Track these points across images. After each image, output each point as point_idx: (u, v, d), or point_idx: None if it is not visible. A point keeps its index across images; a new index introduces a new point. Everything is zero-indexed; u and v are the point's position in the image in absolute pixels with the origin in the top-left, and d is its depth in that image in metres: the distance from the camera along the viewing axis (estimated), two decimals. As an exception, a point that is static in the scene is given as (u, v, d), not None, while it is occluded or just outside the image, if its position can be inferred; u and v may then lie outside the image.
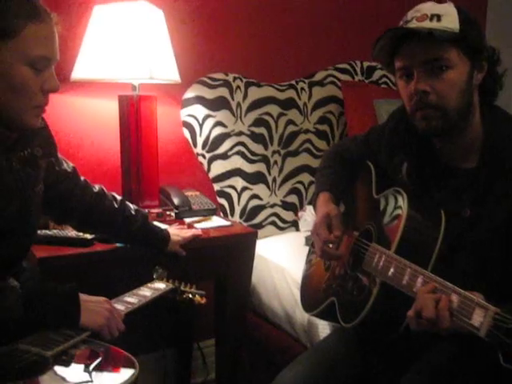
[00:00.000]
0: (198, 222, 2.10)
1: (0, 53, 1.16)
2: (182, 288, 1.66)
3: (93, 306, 1.24)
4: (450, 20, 1.33)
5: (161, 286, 1.61)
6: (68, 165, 1.59)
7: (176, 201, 2.16)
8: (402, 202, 1.42)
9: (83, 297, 1.24)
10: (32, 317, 1.14)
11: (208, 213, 2.20)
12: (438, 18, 1.33)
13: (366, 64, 2.90)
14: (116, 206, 1.69)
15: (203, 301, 1.65)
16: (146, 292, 1.53)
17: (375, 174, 1.62)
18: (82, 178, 1.64)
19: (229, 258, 2.01)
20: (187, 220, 2.10)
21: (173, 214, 2.13)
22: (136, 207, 1.77)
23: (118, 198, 1.73)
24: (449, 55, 1.32)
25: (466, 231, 1.36)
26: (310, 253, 1.85)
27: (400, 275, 1.29)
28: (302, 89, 2.71)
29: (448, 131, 1.38)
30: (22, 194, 1.29)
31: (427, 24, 1.33)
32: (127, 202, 1.75)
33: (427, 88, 1.33)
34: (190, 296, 1.64)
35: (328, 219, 1.55)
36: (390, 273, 1.32)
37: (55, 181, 1.52)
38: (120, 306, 1.37)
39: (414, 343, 1.41)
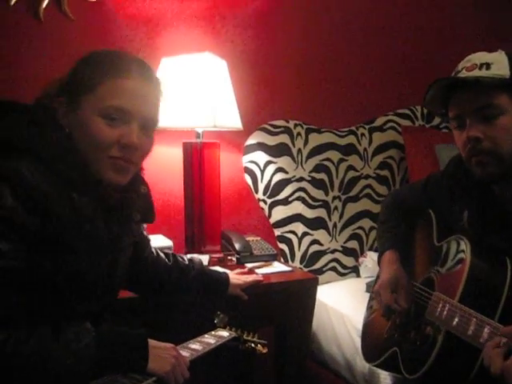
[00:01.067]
0: (259, 267, 2.11)
1: (81, 107, 1.21)
2: (244, 337, 1.65)
3: (160, 353, 1.26)
4: (500, 67, 1.34)
5: (224, 334, 1.61)
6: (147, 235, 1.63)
7: (237, 246, 2.19)
8: (465, 249, 1.40)
9: (152, 343, 1.26)
10: (103, 360, 1.16)
11: (269, 258, 2.21)
12: (488, 66, 1.35)
13: (426, 109, 2.89)
14: (169, 263, 1.69)
15: (265, 350, 1.64)
16: (210, 339, 1.53)
17: (436, 221, 1.61)
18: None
19: (289, 304, 2.01)
20: (248, 265, 2.12)
21: (234, 258, 2.15)
22: (189, 257, 1.79)
23: (169, 253, 1.74)
24: (499, 101, 1.33)
25: None
26: (370, 299, 1.83)
27: (465, 325, 1.26)
28: (362, 134, 2.72)
29: (505, 176, 1.37)
30: (112, 255, 1.31)
31: (476, 73, 1.35)
32: (179, 254, 1.76)
33: (479, 134, 1.34)
34: (253, 345, 1.64)
35: (394, 283, 1.55)
36: (454, 322, 1.30)
37: (141, 247, 1.56)
38: (185, 353, 1.38)
39: None
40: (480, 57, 1.38)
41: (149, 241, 1.65)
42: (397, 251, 1.67)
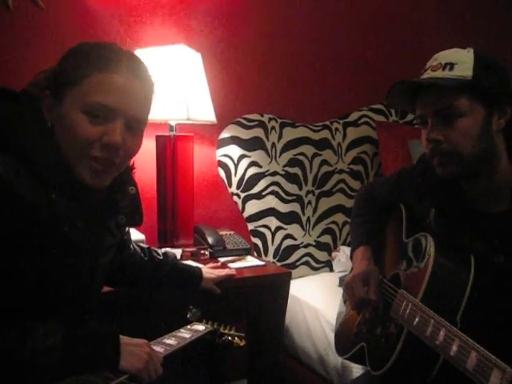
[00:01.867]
0: (232, 261, 2.10)
1: (65, 101, 1.15)
2: (221, 330, 1.64)
3: (132, 349, 1.23)
4: (463, 68, 1.33)
5: (200, 327, 1.60)
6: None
7: (210, 240, 2.18)
8: (429, 247, 1.39)
9: (123, 339, 1.23)
10: (72, 359, 1.14)
11: (242, 252, 2.20)
12: (451, 66, 1.34)
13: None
14: (145, 258, 1.68)
15: (242, 343, 1.63)
16: (185, 334, 1.52)
17: (406, 216, 1.60)
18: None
19: (262, 298, 2.01)
20: (221, 259, 2.11)
21: (207, 252, 2.14)
22: (163, 251, 1.77)
23: (144, 247, 1.72)
24: (459, 103, 1.32)
25: (499, 278, 1.32)
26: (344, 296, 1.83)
27: (424, 326, 1.24)
28: (337, 129, 2.73)
29: (468, 176, 1.37)
30: (93, 258, 1.28)
31: (439, 73, 1.34)
32: (153, 249, 1.75)
33: (440, 137, 1.34)
34: (230, 338, 1.63)
35: (366, 277, 1.54)
36: (414, 322, 1.28)
37: (121, 247, 1.54)
38: (159, 348, 1.37)
39: None
40: (446, 55, 1.37)
41: (130, 240, 1.63)
42: (369, 247, 1.66)
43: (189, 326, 1.60)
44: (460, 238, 1.42)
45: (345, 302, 1.80)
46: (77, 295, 1.26)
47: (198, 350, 1.56)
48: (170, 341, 1.44)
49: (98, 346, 1.19)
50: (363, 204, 1.79)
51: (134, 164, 1.37)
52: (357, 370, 1.88)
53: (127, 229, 1.58)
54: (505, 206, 1.37)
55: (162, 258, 1.73)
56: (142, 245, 1.74)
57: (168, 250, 1.90)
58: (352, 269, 1.66)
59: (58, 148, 1.16)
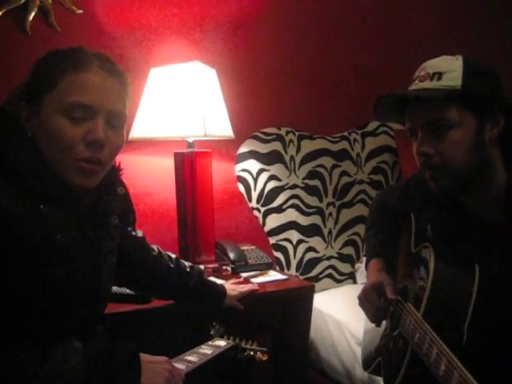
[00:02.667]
0: (255, 276, 2.09)
1: (43, 107, 1.16)
2: (242, 345, 1.62)
3: (153, 367, 1.23)
4: (452, 77, 1.28)
5: (221, 343, 1.58)
6: (139, 231, 1.60)
7: (232, 255, 2.17)
8: (430, 258, 1.34)
9: (144, 357, 1.23)
10: (94, 378, 1.13)
11: (264, 267, 2.19)
12: (440, 76, 1.29)
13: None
14: (172, 265, 1.69)
15: (265, 358, 1.60)
16: (207, 350, 1.50)
17: (414, 225, 1.54)
18: (145, 240, 1.65)
19: (286, 312, 1.99)
20: (244, 274, 2.10)
21: (229, 268, 2.13)
22: (191, 264, 1.77)
23: (173, 256, 1.73)
24: (449, 114, 1.28)
25: (495, 287, 1.27)
26: None
27: (421, 343, 1.20)
28: (355, 140, 2.71)
29: (461, 188, 1.33)
30: (95, 265, 1.28)
31: (427, 84, 1.30)
32: (182, 260, 1.75)
33: (430, 150, 1.30)
34: (252, 353, 1.60)
35: (380, 287, 1.50)
36: (415, 339, 1.24)
37: (131, 249, 1.53)
38: (180, 365, 1.35)
39: None
40: (434, 65, 1.33)
41: (142, 240, 1.62)
42: (382, 258, 1.62)
43: (210, 342, 1.58)
44: (460, 248, 1.37)
45: None
46: (82, 303, 1.25)
47: (222, 366, 1.55)
48: (192, 357, 1.43)
49: (119, 365, 1.18)
50: (376, 214, 1.76)
51: (120, 165, 1.37)
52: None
53: (139, 233, 1.59)
54: (499, 215, 1.32)
55: (189, 270, 1.73)
56: (170, 253, 1.74)
57: (196, 265, 1.89)
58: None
59: (41, 157, 1.17)
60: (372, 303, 1.51)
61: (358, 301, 1.57)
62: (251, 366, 2.06)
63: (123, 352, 1.21)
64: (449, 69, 1.30)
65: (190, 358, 1.43)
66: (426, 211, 1.49)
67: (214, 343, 1.58)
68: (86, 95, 1.16)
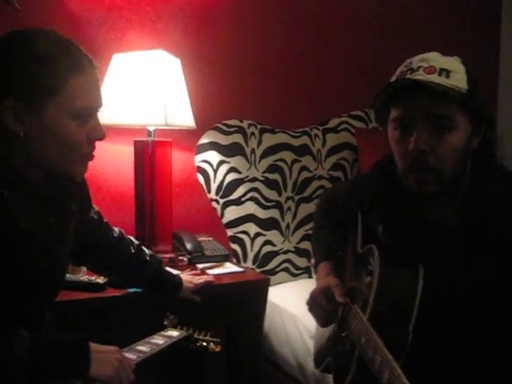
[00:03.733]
0: (211, 268, 2.09)
1: (46, 110, 1.15)
2: (195, 336, 1.62)
3: (103, 357, 1.22)
4: (459, 78, 1.25)
5: (174, 333, 1.58)
6: (94, 210, 1.59)
7: (189, 246, 2.16)
8: (376, 260, 1.33)
9: (93, 347, 1.22)
10: (41, 367, 1.12)
11: (221, 259, 2.19)
12: (447, 73, 1.24)
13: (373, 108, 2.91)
14: (133, 250, 1.69)
15: (218, 349, 1.61)
16: (159, 340, 1.50)
17: (361, 225, 1.51)
18: (105, 221, 1.65)
19: (241, 304, 2.00)
20: (200, 266, 2.10)
21: (185, 259, 2.13)
22: (151, 253, 1.77)
23: (136, 242, 1.73)
24: (455, 116, 1.25)
25: (440, 288, 1.27)
26: None
27: (367, 348, 1.19)
28: (316, 135, 2.73)
29: (439, 195, 1.30)
30: (52, 250, 1.28)
31: (436, 78, 1.23)
32: (143, 247, 1.75)
33: (427, 148, 1.24)
34: (204, 344, 1.61)
35: (328, 290, 1.46)
36: (361, 342, 1.23)
37: (82, 229, 1.50)
38: (131, 355, 1.35)
39: None
40: (438, 60, 1.27)
41: (99, 221, 1.62)
42: (330, 261, 1.60)
43: (163, 332, 1.58)
44: (408, 249, 1.35)
45: None
46: (38, 289, 1.24)
47: (174, 356, 1.54)
48: (143, 347, 1.42)
49: (67, 354, 1.17)
50: (322, 215, 1.73)
51: None
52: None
53: (95, 214, 1.59)
54: (454, 221, 1.32)
55: (149, 259, 1.73)
56: (133, 239, 1.73)
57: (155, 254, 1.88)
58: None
59: (13, 150, 1.17)
60: (321, 307, 1.47)
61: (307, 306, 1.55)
62: (204, 358, 2.07)
63: (72, 341, 1.20)
64: (454, 69, 1.26)
65: (141, 347, 1.42)
66: (376, 212, 1.45)
67: (166, 333, 1.57)
68: (91, 98, 1.21)
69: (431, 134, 1.25)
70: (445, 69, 1.25)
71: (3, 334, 1.11)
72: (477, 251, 1.26)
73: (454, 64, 1.28)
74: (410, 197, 1.35)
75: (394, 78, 1.33)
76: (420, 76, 1.25)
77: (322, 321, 1.50)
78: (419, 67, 1.26)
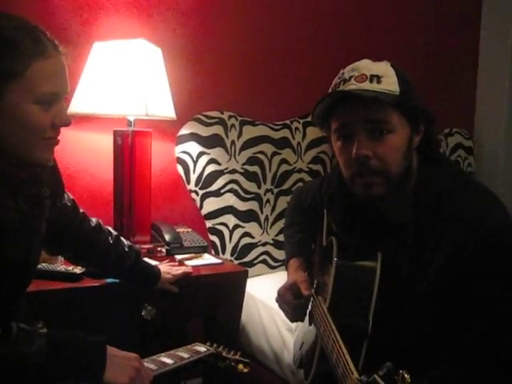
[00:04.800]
0: (189, 259, 2.09)
1: (7, 94, 1.13)
2: (224, 354, 1.57)
3: (120, 362, 1.19)
4: (390, 82, 1.28)
5: (201, 349, 1.54)
6: (68, 198, 1.57)
7: (167, 237, 2.16)
8: (333, 250, 1.37)
9: (112, 351, 1.19)
10: (55, 365, 1.11)
11: (199, 250, 2.20)
12: (378, 79, 1.28)
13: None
14: (111, 241, 1.68)
15: (246, 369, 1.55)
16: (184, 354, 1.46)
17: (326, 221, 1.55)
18: (81, 211, 1.63)
19: (219, 296, 2.00)
20: (178, 257, 2.10)
21: (164, 250, 2.12)
22: (130, 243, 1.75)
23: (114, 233, 1.71)
24: (391, 119, 1.28)
25: (401, 289, 1.30)
26: None
27: (327, 342, 1.21)
28: (296, 128, 2.73)
29: (387, 196, 1.32)
30: (26, 236, 1.26)
31: (367, 85, 1.27)
32: (122, 238, 1.73)
33: (369, 152, 1.27)
34: (233, 364, 1.55)
35: (294, 286, 1.51)
36: (321, 331, 1.26)
37: (56, 216, 1.48)
38: (152, 366, 1.32)
39: None
40: (368, 67, 1.31)
41: (76, 208, 1.60)
42: (300, 257, 1.64)
43: (189, 346, 1.54)
44: (364, 240, 1.40)
45: None
46: (11, 276, 1.23)
47: (199, 371, 1.51)
48: (167, 359, 1.39)
49: (84, 354, 1.15)
50: (293, 212, 1.78)
51: None
52: (311, 368, 1.89)
53: (69, 201, 1.57)
54: (406, 217, 1.34)
55: (127, 250, 1.72)
56: (111, 229, 1.72)
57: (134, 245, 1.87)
58: None
59: None
60: (288, 303, 1.52)
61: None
62: (230, 377, 2.01)
63: (90, 342, 1.18)
64: (385, 73, 1.29)
65: (164, 359, 1.40)
66: (333, 207, 1.50)
67: (193, 348, 1.54)
68: (54, 82, 1.18)
69: (371, 139, 1.28)
70: (375, 75, 1.28)
71: (22, 328, 1.10)
72: (426, 245, 1.28)
73: (384, 68, 1.31)
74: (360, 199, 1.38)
75: (330, 91, 1.37)
76: (352, 86, 1.29)
77: (290, 316, 1.55)
78: (351, 77, 1.30)
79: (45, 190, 1.34)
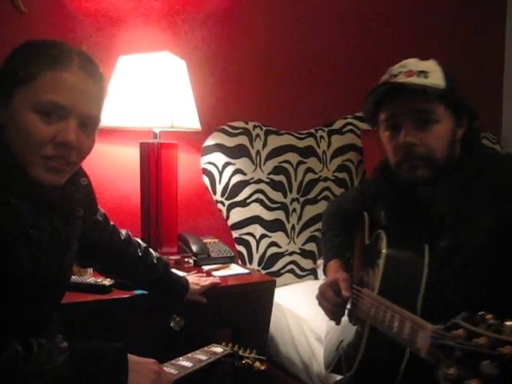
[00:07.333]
0: (217, 269, 2.09)
1: (14, 99, 1.12)
2: (240, 353, 1.59)
3: (140, 368, 1.20)
4: (436, 77, 1.38)
5: (218, 350, 1.55)
6: (100, 213, 1.58)
7: (195, 248, 2.16)
8: (382, 242, 1.41)
9: (131, 357, 1.20)
10: (79, 378, 1.11)
11: (226, 260, 2.19)
12: (425, 74, 1.38)
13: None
14: (140, 253, 1.68)
15: (263, 367, 1.57)
16: (202, 356, 1.47)
17: (368, 221, 1.62)
18: (111, 224, 1.64)
19: (246, 306, 2.00)
20: (205, 267, 2.10)
21: (191, 261, 2.13)
22: (158, 255, 1.76)
23: (143, 245, 1.72)
24: (436, 110, 1.37)
25: (444, 264, 1.35)
26: None
27: (382, 317, 1.25)
28: (321, 137, 2.73)
29: (433, 180, 1.40)
30: (59, 254, 1.26)
31: (415, 79, 1.37)
32: (151, 250, 1.74)
33: (416, 141, 1.37)
34: (250, 362, 1.57)
35: (335, 284, 1.54)
36: (372, 314, 1.30)
37: (87, 231, 1.48)
38: (173, 370, 1.33)
39: None
40: (416, 64, 1.41)
41: (105, 224, 1.61)
42: (339, 259, 1.67)
43: (206, 348, 1.55)
44: (410, 230, 1.45)
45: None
46: (45, 295, 1.23)
47: (217, 373, 1.52)
48: (186, 363, 1.40)
49: (106, 364, 1.16)
50: (330, 219, 1.81)
51: None
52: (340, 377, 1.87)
53: (100, 216, 1.58)
54: (448, 206, 1.40)
55: (156, 262, 1.72)
56: (140, 241, 1.73)
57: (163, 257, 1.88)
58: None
59: (9, 150, 1.13)
60: (328, 300, 1.54)
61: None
62: (249, 375, 2.01)
63: (111, 351, 1.19)
64: (431, 69, 1.39)
65: (183, 363, 1.40)
66: (379, 201, 1.56)
67: (209, 349, 1.55)
68: (62, 95, 1.12)
69: (417, 128, 1.38)
70: (422, 71, 1.38)
71: (42, 344, 1.10)
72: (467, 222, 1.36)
73: (431, 65, 1.41)
74: (408, 191, 1.48)
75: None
76: (401, 79, 1.39)
77: (330, 313, 1.57)
78: (400, 72, 1.41)
79: (78, 210, 1.33)
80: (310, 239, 2.68)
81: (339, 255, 1.68)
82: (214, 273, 2.04)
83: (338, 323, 1.59)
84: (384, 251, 1.38)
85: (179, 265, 2.06)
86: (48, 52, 1.14)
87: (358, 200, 1.72)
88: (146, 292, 1.78)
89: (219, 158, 2.45)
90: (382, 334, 1.25)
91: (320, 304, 1.59)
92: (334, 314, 1.56)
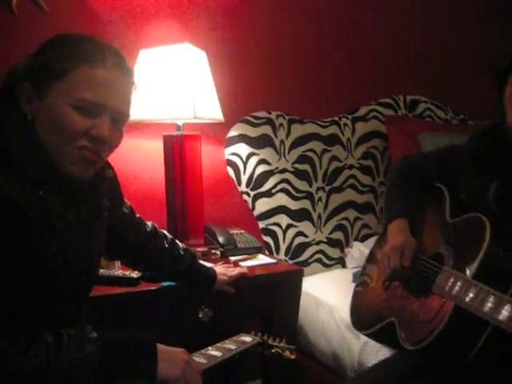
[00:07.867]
0: (244, 260, 2.09)
1: (50, 93, 1.13)
2: (269, 342, 1.59)
3: (169, 357, 1.21)
4: None
5: (247, 339, 1.55)
6: (126, 205, 1.59)
7: (221, 239, 2.16)
8: (485, 230, 1.39)
9: (160, 347, 1.21)
10: (109, 367, 1.12)
11: (253, 251, 2.19)
12: None
13: (409, 98, 2.89)
14: (166, 245, 1.69)
15: (293, 356, 1.56)
16: (231, 345, 1.47)
17: (449, 196, 1.61)
18: (137, 216, 1.65)
19: (275, 296, 1.99)
20: (232, 258, 2.10)
21: (218, 252, 2.13)
22: (185, 246, 1.76)
23: (169, 236, 1.73)
24: None
25: None
26: (362, 274, 1.88)
27: (482, 301, 1.27)
28: (345, 124, 2.70)
29: None
30: (87, 247, 1.27)
31: None
32: (177, 241, 1.74)
33: None
34: (279, 351, 1.57)
35: (402, 248, 1.57)
36: (467, 298, 1.31)
37: (114, 224, 1.50)
38: (202, 360, 1.33)
39: (482, 372, 1.37)
40: None
41: (131, 216, 1.62)
42: (406, 220, 1.67)
43: (235, 338, 1.55)
44: None
45: (359, 277, 1.82)
46: (73, 287, 1.24)
47: (247, 362, 1.52)
48: (215, 352, 1.40)
49: (136, 354, 1.16)
50: (405, 175, 1.79)
51: None
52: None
53: (126, 208, 1.59)
54: None
55: (183, 253, 1.73)
56: (166, 233, 1.74)
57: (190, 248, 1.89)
58: (386, 240, 1.68)
59: (38, 142, 1.15)
60: (392, 262, 1.58)
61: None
62: (279, 364, 2.01)
63: (139, 341, 1.19)
64: None
65: (213, 352, 1.40)
66: (488, 173, 1.52)
67: (239, 338, 1.55)
68: (98, 93, 1.14)
69: None
70: None
71: (73, 335, 1.11)
72: None
73: None
74: None
75: None
76: None
77: (389, 274, 1.63)
78: None
79: (105, 202, 1.35)
80: (337, 228, 2.66)
81: (406, 216, 1.68)
82: (242, 263, 2.04)
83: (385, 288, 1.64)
84: (487, 242, 1.37)
85: (206, 256, 2.07)
86: (82, 47, 1.16)
87: (436, 168, 1.71)
88: (173, 284, 1.78)
89: (243, 149, 2.44)
90: (467, 316, 1.28)
91: (382, 262, 1.63)
92: (390, 277, 1.60)
